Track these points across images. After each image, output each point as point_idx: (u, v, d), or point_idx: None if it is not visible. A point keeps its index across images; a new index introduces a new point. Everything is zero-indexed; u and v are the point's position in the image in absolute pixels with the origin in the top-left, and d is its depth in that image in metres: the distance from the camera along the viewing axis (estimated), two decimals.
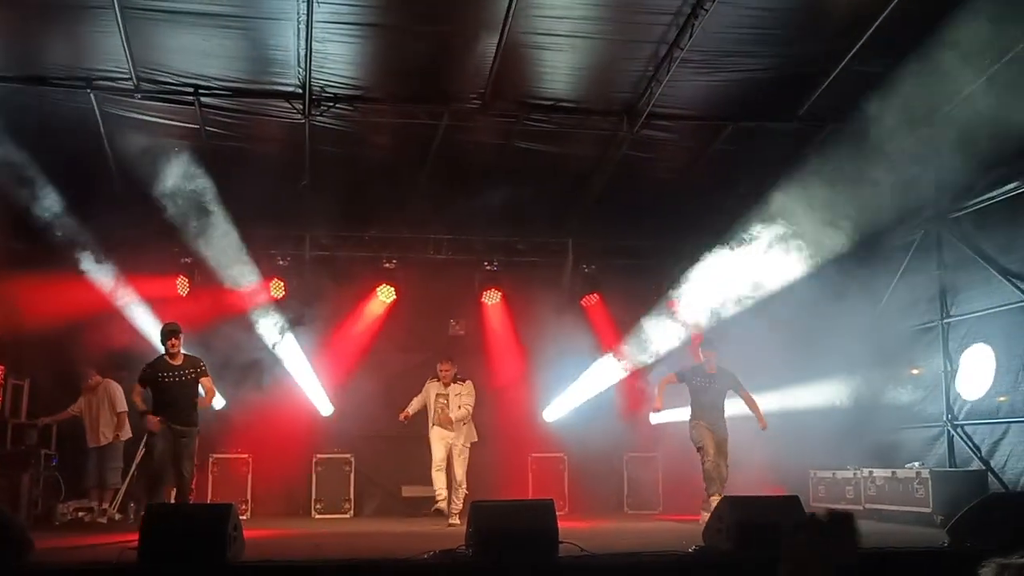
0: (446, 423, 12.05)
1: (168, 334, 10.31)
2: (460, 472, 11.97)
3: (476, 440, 12.33)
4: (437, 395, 12.22)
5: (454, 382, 12.24)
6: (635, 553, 7.18)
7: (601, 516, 13.32)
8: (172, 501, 10.29)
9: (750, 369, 11.96)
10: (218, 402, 10.92)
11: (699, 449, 11.36)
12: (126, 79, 11.35)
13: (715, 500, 10.96)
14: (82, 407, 12.85)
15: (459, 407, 12.08)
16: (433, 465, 11.99)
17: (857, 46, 10.65)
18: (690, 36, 10.47)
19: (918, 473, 11.37)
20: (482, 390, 12.77)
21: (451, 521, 11.70)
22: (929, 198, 11.92)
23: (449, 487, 11.97)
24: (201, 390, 10.37)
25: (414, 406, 12.28)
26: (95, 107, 11.89)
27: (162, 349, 10.49)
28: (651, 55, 11.20)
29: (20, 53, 11.08)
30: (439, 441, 12.05)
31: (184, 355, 10.40)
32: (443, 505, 11.82)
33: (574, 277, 15.45)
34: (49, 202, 12.49)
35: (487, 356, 15.05)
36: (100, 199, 13.04)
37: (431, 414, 12.19)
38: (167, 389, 10.16)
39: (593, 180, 14.13)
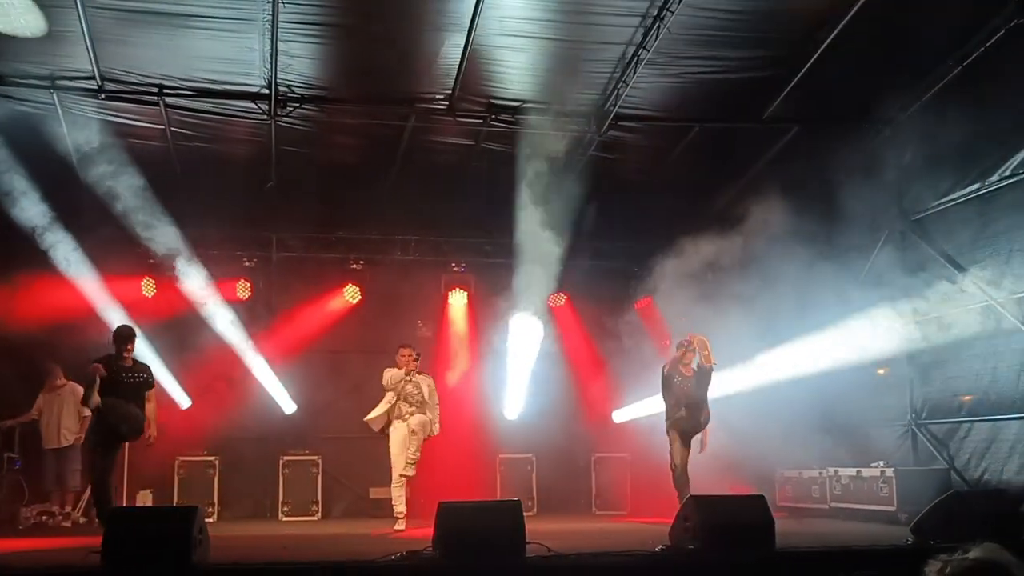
0: (417, 405, 11.08)
1: (125, 338, 10.18)
2: (413, 448, 11.03)
3: (436, 434, 11.34)
4: (408, 381, 11.19)
5: (418, 373, 11.35)
6: (602, 553, 7.19)
7: (569, 517, 13.34)
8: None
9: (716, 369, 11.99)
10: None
11: (671, 458, 11.16)
12: (90, 79, 11.26)
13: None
14: (41, 408, 12.72)
15: (430, 396, 11.27)
16: (394, 477, 11.04)
17: (819, 50, 10.75)
18: (656, 38, 10.52)
19: (882, 472, 11.47)
20: (450, 391, 12.77)
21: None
22: (893, 200, 12.06)
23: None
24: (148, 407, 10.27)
25: (381, 408, 11.24)
26: (57, 107, 11.77)
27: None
28: (617, 57, 11.26)
29: None
30: (400, 446, 10.98)
31: (134, 360, 10.31)
32: (403, 526, 10.83)
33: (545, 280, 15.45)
34: (11, 202, 12.38)
35: (454, 357, 15.07)
36: (64, 199, 12.95)
37: (399, 405, 11.14)
38: (122, 390, 9.99)
39: (562, 181, 14.13)
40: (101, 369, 9.84)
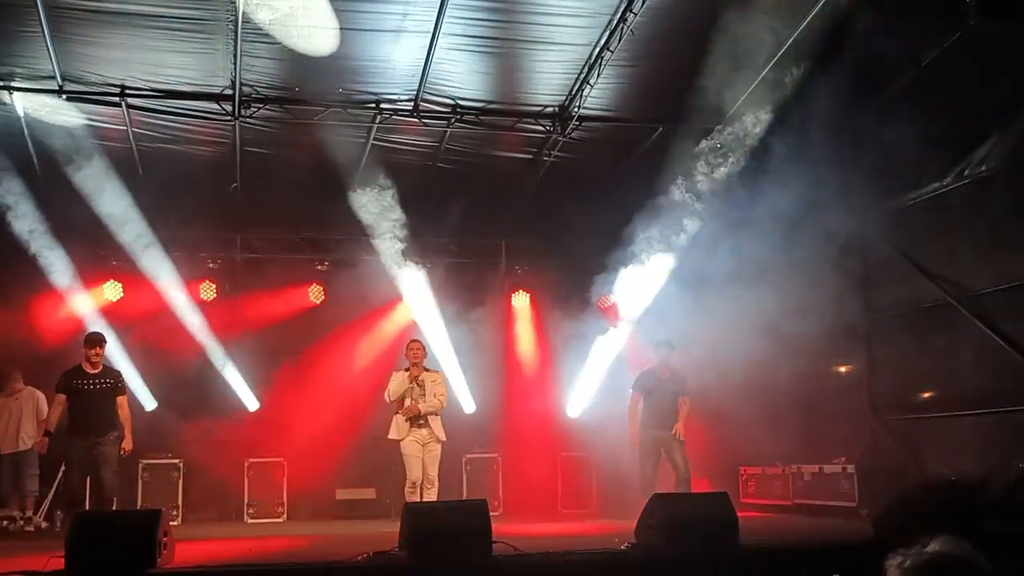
0: (414, 415, 10.43)
1: (92, 343, 10.09)
2: (433, 471, 10.44)
3: (445, 439, 10.64)
4: (415, 384, 10.58)
5: (426, 370, 10.74)
6: (569, 552, 7.24)
7: (535, 517, 13.37)
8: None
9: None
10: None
11: (641, 466, 11.17)
12: (50, 79, 11.16)
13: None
14: None
15: (434, 395, 10.57)
16: (407, 483, 10.41)
17: (779, 54, 10.87)
18: (619, 39, 10.59)
19: (844, 468, 11.61)
20: None
21: None
22: (854, 197, 12.18)
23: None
24: (122, 414, 10.14)
25: (395, 392, 10.53)
26: (17, 108, 11.67)
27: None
28: (581, 58, 11.32)
29: None
30: (415, 454, 10.39)
31: (103, 366, 10.21)
32: None
33: (506, 278, 15.52)
34: None
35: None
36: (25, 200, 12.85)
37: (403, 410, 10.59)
38: (86, 397, 9.86)
39: (525, 182, 14.21)
40: (41, 446, 9.97)
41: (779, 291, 11.88)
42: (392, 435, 10.52)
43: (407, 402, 10.47)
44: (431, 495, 10.32)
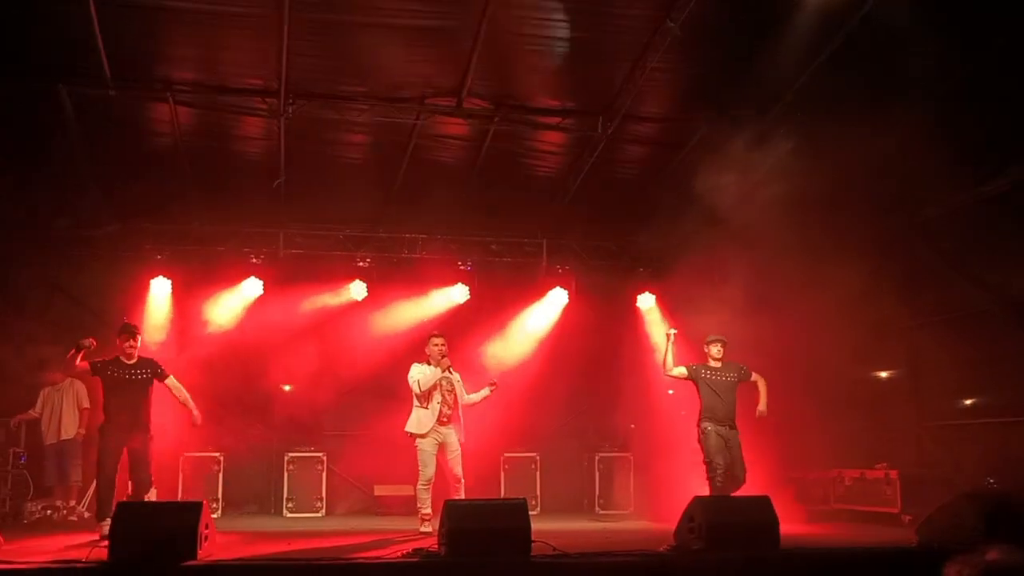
0: (449, 418, 10.30)
1: (126, 335, 10.09)
2: (458, 469, 10.29)
3: (463, 440, 10.50)
4: (445, 379, 10.41)
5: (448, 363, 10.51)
6: (608, 552, 7.21)
7: (572, 517, 13.33)
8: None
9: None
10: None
11: (707, 463, 10.38)
12: (99, 74, 11.25)
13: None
14: (41, 405, 12.80)
15: (463, 394, 10.54)
16: (421, 479, 10.26)
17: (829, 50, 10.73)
18: (666, 37, 10.52)
19: (887, 474, 11.48)
20: None
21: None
22: (899, 201, 12.04)
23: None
24: (180, 395, 10.13)
25: (427, 383, 10.30)
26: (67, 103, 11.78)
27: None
28: (628, 55, 11.24)
29: None
30: (432, 451, 10.24)
31: (139, 356, 10.21)
32: (430, 528, 9.93)
33: (548, 277, 15.49)
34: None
35: (464, 353, 15.10)
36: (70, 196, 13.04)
37: (431, 406, 10.33)
38: (123, 387, 9.84)
39: (569, 179, 14.17)
40: (90, 341, 9.73)
41: (823, 295, 11.77)
42: (412, 428, 10.32)
43: (436, 398, 10.30)
44: (460, 494, 10.15)
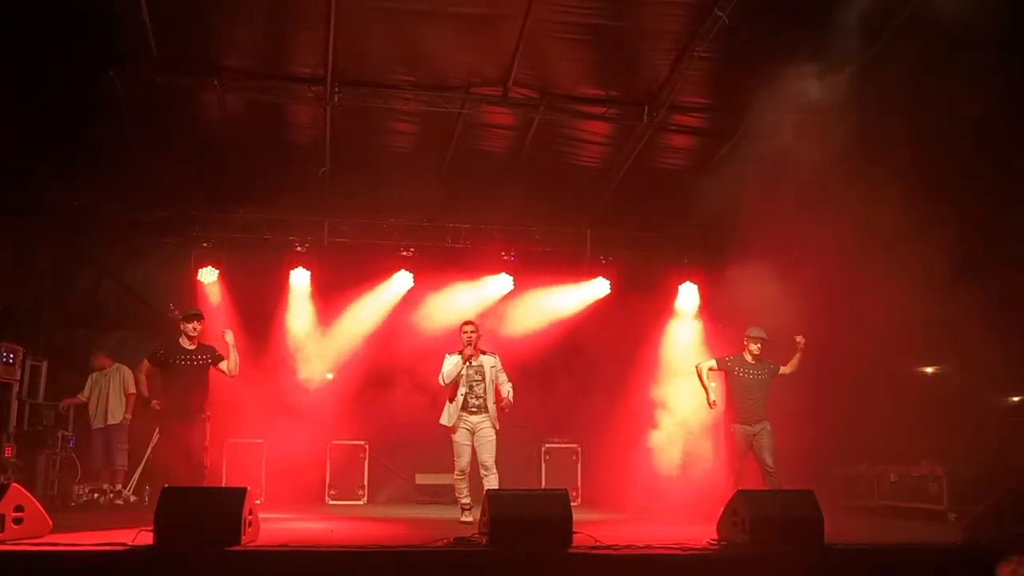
0: (479, 407, 10.06)
1: (191, 318, 10.19)
2: (487, 457, 10.00)
3: (498, 429, 10.21)
4: (472, 367, 10.16)
5: (482, 353, 10.30)
6: (650, 545, 7.16)
7: (614, 508, 13.28)
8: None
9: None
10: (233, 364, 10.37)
11: (729, 461, 10.69)
12: (148, 60, 11.34)
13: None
14: (89, 390, 12.96)
15: (506, 382, 10.18)
16: (456, 469, 10.16)
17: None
18: (713, 26, 10.43)
19: (932, 470, 11.34)
20: None
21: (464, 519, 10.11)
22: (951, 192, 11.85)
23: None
24: (224, 365, 10.16)
25: (449, 375, 10.13)
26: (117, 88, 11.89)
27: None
28: (673, 45, 11.16)
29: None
30: (464, 442, 10.06)
31: (199, 342, 10.28)
32: (470, 517, 9.92)
33: (592, 266, 15.45)
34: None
35: (505, 345, 15.09)
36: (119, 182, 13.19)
37: (456, 397, 10.12)
38: (182, 372, 9.93)
39: (613, 170, 14.11)
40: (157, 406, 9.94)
41: (867, 289, 11.62)
42: (444, 421, 10.21)
43: (461, 388, 10.08)
44: (491, 483, 9.78)
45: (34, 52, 10.90)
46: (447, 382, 10.13)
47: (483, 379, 10.15)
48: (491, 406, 10.12)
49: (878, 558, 7.20)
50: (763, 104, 11.73)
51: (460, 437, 10.09)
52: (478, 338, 10.27)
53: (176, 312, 10.59)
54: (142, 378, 10.35)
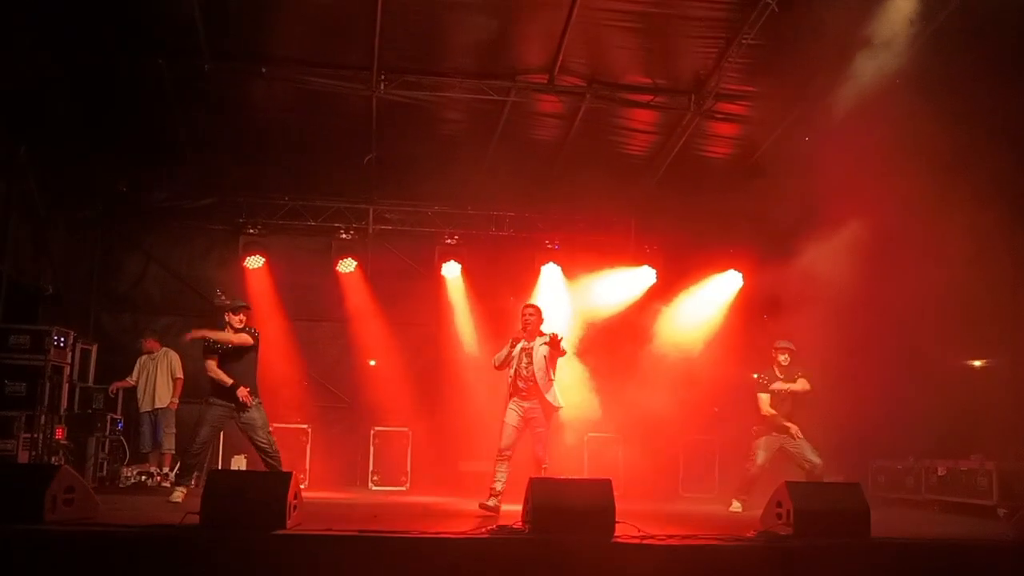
0: (528, 392, 9.71)
1: (239, 309, 10.26)
2: (540, 449, 9.69)
3: (562, 406, 9.95)
4: (522, 350, 9.85)
5: (539, 333, 9.94)
6: (693, 535, 7.13)
7: (655, 498, 13.23)
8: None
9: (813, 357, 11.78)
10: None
11: (753, 453, 11.03)
12: (197, 48, 11.41)
13: (738, 505, 11.00)
14: (137, 373, 13.11)
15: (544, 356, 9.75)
16: (498, 450, 9.79)
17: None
18: (760, 15, 10.33)
19: (982, 465, 11.18)
20: None
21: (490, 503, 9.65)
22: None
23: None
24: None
25: (499, 358, 9.94)
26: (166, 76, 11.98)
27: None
28: (721, 32, 11.07)
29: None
30: (512, 422, 9.74)
31: (244, 330, 10.29)
32: (495, 502, 9.58)
33: (636, 255, 15.38)
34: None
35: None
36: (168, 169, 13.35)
37: (508, 379, 9.88)
38: (231, 361, 9.94)
39: (658, 158, 14.03)
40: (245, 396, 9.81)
41: (919, 281, 11.47)
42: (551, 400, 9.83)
43: (511, 374, 9.78)
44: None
45: (84, 41, 11.04)
46: (496, 364, 9.96)
47: (531, 362, 9.76)
48: (543, 390, 9.69)
49: (925, 553, 7.11)
50: (812, 91, 11.63)
51: (508, 417, 9.76)
52: (537, 322, 9.94)
53: (223, 299, 10.64)
54: (220, 372, 10.23)
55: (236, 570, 6.22)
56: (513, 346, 9.87)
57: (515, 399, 9.79)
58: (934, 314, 11.69)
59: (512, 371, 9.83)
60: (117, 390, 13.23)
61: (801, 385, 10.86)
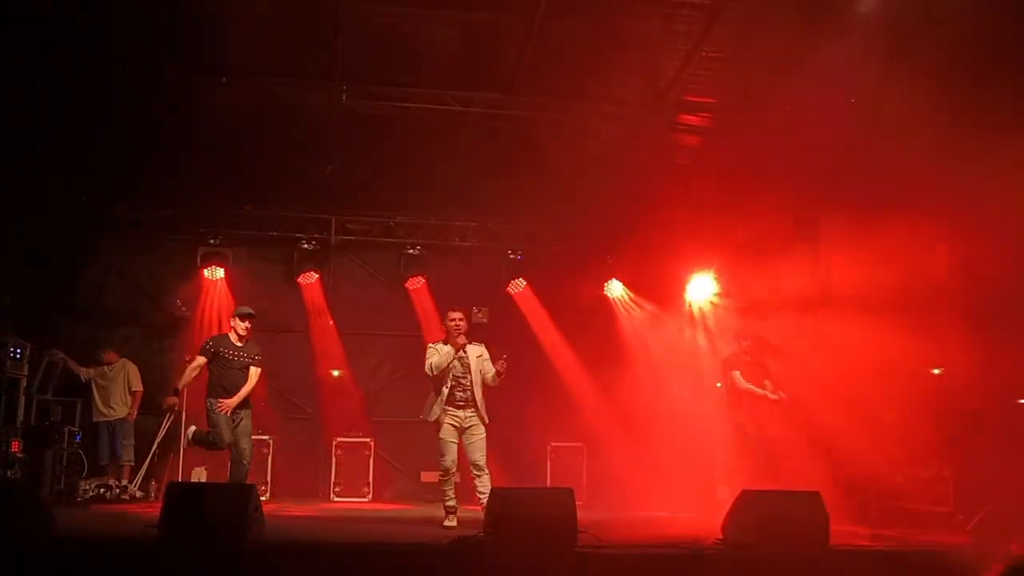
0: (467, 401, 9.48)
1: (244, 316, 10.29)
2: (479, 456, 9.40)
3: (488, 422, 9.61)
4: (457, 358, 9.56)
5: (470, 343, 9.70)
6: (655, 544, 7.17)
7: (618, 507, 13.26)
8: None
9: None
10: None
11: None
12: (154, 58, 11.34)
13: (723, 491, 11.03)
14: (92, 376, 13.06)
15: (491, 370, 9.52)
16: (442, 469, 9.51)
17: None
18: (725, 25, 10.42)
19: (939, 472, 11.27)
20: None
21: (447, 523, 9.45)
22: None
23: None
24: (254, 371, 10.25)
25: (439, 365, 9.50)
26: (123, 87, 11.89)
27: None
28: (683, 40, 11.13)
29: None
30: (451, 439, 9.45)
31: (248, 341, 10.31)
32: (454, 522, 9.39)
33: (599, 267, 15.44)
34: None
35: (510, 345, 15.07)
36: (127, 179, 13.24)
37: (443, 390, 9.54)
38: (228, 367, 10.09)
39: (622, 168, 14.07)
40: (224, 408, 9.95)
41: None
42: (426, 415, 9.62)
43: (448, 380, 9.46)
44: (484, 485, 9.20)
45: (40, 52, 10.94)
46: (435, 373, 9.51)
47: (468, 371, 9.54)
48: (479, 399, 9.52)
49: (884, 560, 7.19)
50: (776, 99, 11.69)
51: (446, 433, 9.44)
52: (465, 328, 9.68)
53: (184, 310, 10.61)
54: (189, 373, 10.26)
55: None
56: (455, 353, 9.53)
57: (450, 410, 9.48)
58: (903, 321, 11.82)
59: (451, 382, 9.51)
60: (63, 360, 13.12)
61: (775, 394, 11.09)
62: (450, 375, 9.50)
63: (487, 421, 9.55)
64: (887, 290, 10.70)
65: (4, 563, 6.02)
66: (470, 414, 9.50)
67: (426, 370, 9.60)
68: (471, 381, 9.53)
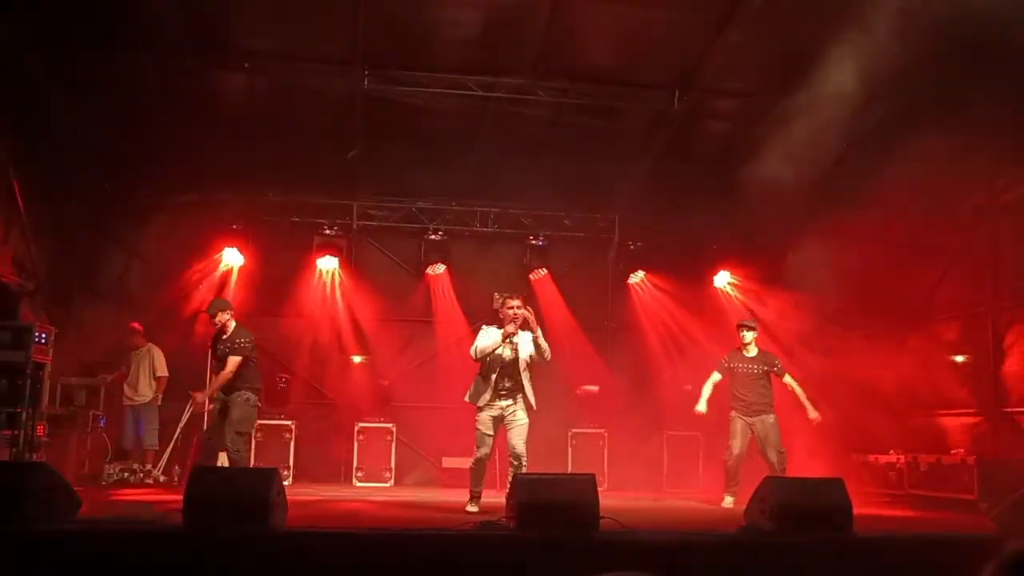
0: (510, 390, 9.11)
1: (213, 310, 10.25)
2: (519, 444, 9.01)
3: (535, 409, 9.23)
4: (509, 344, 9.15)
5: (523, 329, 9.21)
6: (677, 531, 7.15)
7: (640, 494, 13.25)
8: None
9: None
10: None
11: (727, 443, 11.05)
12: (178, 43, 11.36)
13: (730, 500, 10.83)
14: (127, 367, 13.13)
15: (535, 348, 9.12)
16: (474, 458, 9.26)
17: None
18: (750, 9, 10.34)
19: (964, 459, 11.23)
20: None
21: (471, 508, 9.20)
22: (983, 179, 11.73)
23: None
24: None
25: (484, 349, 9.10)
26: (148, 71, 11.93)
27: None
28: (708, 24, 11.06)
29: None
30: (487, 431, 9.13)
31: (233, 330, 10.13)
32: (475, 507, 9.14)
33: (620, 254, 15.40)
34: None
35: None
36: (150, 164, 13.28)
37: (492, 375, 9.13)
38: (217, 360, 10.13)
39: (643, 155, 14.03)
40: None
41: (900, 276, 11.53)
42: (468, 398, 9.29)
43: (496, 369, 9.08)
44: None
45: (64, 39, 10.98)
46: (479, 357, 9.13)
47: (517, 357, 9.11)
48: (527, 385, 9.13)
49: (907, 547, 7.14)
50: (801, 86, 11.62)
51: (483, 425, 9.13)
52: (524, 317, 9.16)
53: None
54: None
55: (220, 568, 6.20)
56: (505, 341, 9.13)
57: (494, 401, 9.15)
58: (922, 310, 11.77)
59: (496, 368, 9.13)
60: (106, 381, 13.16)
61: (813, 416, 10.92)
62: (499, 362, 9.13)
63: (534, 408, 9.21)
64: None
65: (29, 542, 6.05)
66: (513, 402, 9.15)
67: (471, 351, 9.22)
68: (519, 370, 9.14)
